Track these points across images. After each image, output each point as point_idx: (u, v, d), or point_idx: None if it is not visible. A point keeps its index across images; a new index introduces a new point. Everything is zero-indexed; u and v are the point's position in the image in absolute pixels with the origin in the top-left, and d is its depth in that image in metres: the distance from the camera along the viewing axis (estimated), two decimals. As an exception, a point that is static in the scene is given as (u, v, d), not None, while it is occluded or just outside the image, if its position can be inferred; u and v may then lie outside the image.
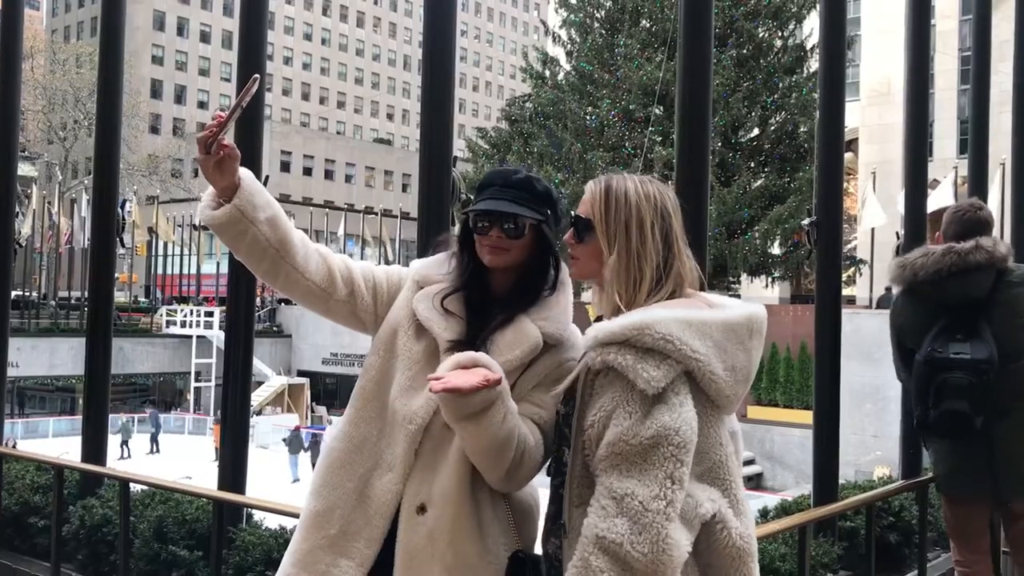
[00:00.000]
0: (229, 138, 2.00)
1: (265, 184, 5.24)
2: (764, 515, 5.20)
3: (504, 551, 2.04)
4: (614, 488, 1.66)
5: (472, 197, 2.18)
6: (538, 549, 2.03)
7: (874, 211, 26.93)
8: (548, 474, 1.97)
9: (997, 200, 18.28)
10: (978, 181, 6.94)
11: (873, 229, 27.37)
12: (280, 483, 21.94)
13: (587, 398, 1.74)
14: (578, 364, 1.79)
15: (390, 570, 2.03)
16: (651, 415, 1.65)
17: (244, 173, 2.05)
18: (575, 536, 1.72)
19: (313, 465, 25.16)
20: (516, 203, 2.06)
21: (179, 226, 42.97)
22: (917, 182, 6.00)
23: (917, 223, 5.88)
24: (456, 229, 2.23)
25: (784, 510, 5.16)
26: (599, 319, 1.91)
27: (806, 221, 4.90)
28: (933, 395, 3.51)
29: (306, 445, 27.62)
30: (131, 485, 4.82)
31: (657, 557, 1.61)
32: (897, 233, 5.81)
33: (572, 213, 1.96)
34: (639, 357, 1.63)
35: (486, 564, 2.02)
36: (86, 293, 31.07)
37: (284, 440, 28.37)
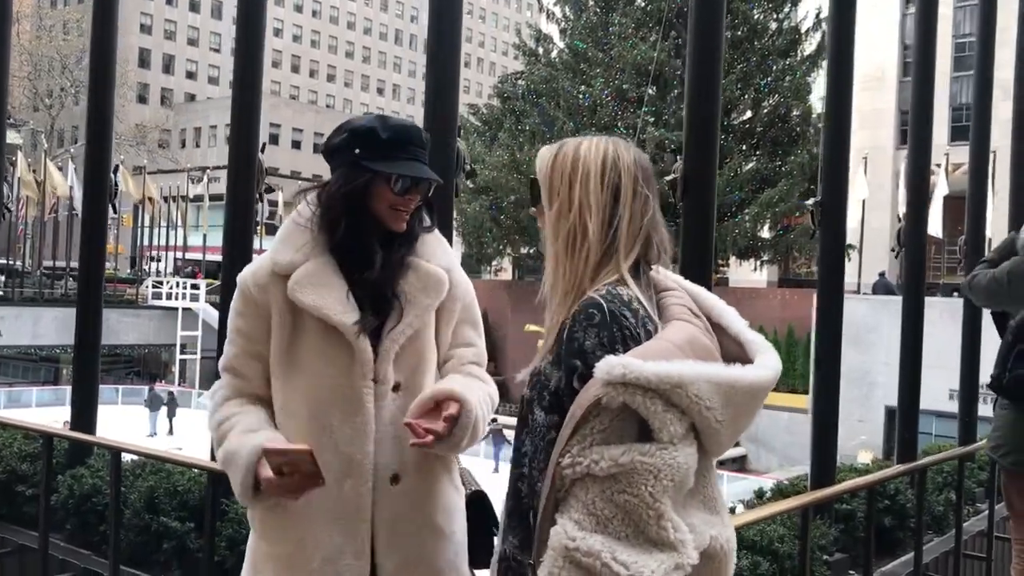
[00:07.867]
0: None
1: (262, 151, 5.18)
2: (760, 496, 5.20)
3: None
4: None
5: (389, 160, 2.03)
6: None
7: (860, 185, 26.79)
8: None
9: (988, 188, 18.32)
10: (979, 169, 6.94)
11: (862, 217, 27.37)
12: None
13: (582, 428, 1.51)
14: (585, 393, 1.51)
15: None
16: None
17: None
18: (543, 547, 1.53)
19: (170, 420, 24.44)
20: (427, 165, 2.04)
21: (164, 198, 42.48)
22: (920, 168, 5.97)
23: (919, 207, 5.87)
24: (330, 188, 2.11)
25: (781, 492, 5.16)
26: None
27: (810, 201, 4.86)
28: (1013, 359, 3.67)
29: (165, 400, 28.86)
30: (122, 455, 4.76)
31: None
32: (899, 216, 5.80)
33: None
34: (666, 407, 1.48)
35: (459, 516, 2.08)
36: (71, 263, 30.99)
37: (144, 401, 29.34)
